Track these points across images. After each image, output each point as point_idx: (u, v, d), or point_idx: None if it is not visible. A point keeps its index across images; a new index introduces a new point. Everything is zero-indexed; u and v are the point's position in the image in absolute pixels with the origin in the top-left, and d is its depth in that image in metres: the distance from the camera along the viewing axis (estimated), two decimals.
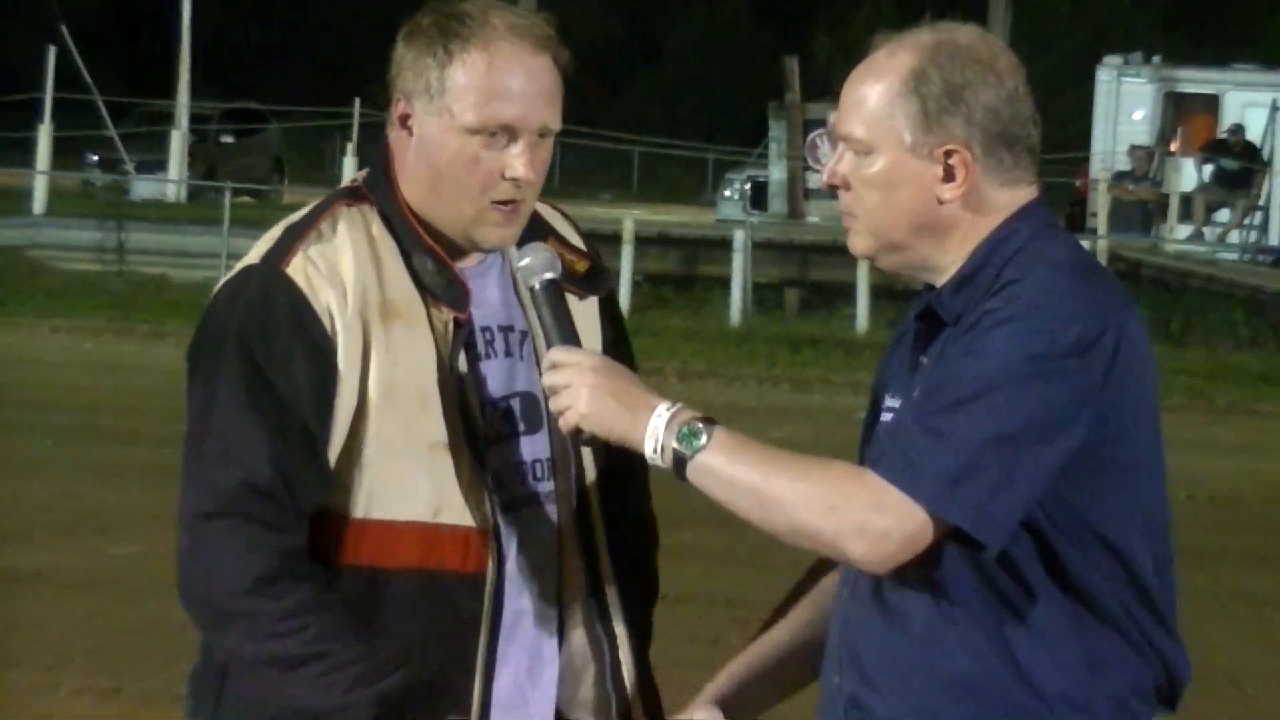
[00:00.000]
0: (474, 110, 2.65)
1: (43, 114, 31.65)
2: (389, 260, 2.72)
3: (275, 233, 2.72)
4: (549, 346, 2.66)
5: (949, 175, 2.61)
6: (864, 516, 2.52)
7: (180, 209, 32.91)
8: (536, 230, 2.84)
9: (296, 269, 2.65)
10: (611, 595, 2.92)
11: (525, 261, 2.69)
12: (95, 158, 37.44)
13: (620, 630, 2.93)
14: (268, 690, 2.65)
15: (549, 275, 2.70)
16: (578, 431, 2.62)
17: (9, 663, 7.49)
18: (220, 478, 2.59)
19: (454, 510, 2.72)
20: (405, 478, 2.71)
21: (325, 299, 2.65)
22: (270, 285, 2.62)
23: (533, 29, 2.72)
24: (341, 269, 2.67)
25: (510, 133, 2.66)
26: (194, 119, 37.06)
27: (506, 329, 2.81)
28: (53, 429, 13.20)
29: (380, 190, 2.71)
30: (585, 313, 2.83)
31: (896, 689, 2.69)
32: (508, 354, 2.81)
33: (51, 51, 32.61)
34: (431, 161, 2.69)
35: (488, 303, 2.78)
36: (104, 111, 35.66)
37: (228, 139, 39.49)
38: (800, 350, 20.98)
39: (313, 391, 2.64)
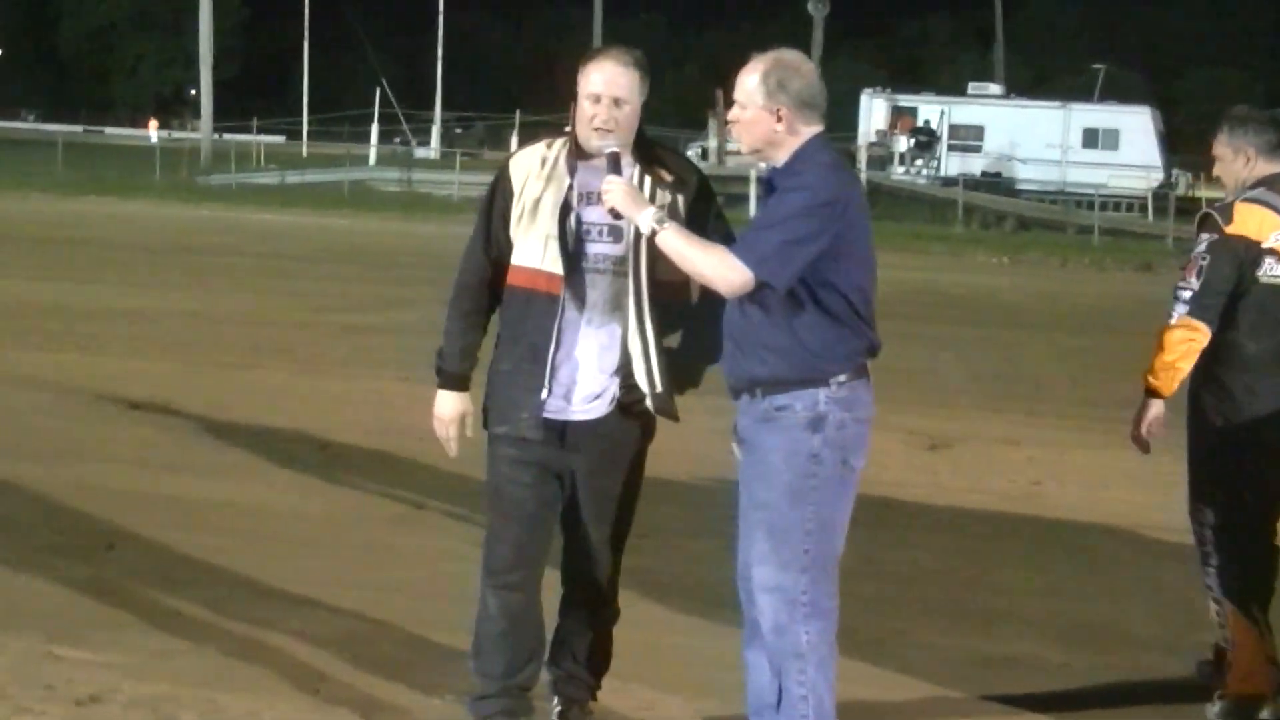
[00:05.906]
0: (585, 88, 4.06)
1: (373, 120, 49.41)
2: (563, 158, 4.11)
3: (522, 146, 4.25)
4: (607, 174, 3.96)
5: (778, 120, 3.83)
6: (726, 271, 3.79)
7: (435, 161, 48.14)
8: (650, 156, 4.11)
9: (513, 159, 4.14)
10: (646, 323, 4.06)
11: (608, 143, 4.01)
12: (398, 139, 54.71)
13: (651, 341, 4.05)
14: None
15: (612, 149, 4.01)
16: (614, 211, 3.92)
17: None
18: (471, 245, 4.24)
19: (549, 263, 4.08)
20: (530, 248, 4.13)
21: (519, 170, 4.11)
22: (502, 165, 4.24)
23: (617, 52, 4.07)
24: (534, 159, 4.14)
25: (596, 98, 4.04)
26: (444, 120, 56.74)
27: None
28: None
29: (570, 130, 4.16)
30: (670, 197, 4.08)
31: (748, 352, 3.89)
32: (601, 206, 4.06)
33: (378, 92, 49.77)
34: (579, 112, 4.07)
35: (598, 184, 4.05)
36: (401, 118, 53.11)
37: (459, 130, 60.64)
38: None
39: (503, 207, 4.16)
